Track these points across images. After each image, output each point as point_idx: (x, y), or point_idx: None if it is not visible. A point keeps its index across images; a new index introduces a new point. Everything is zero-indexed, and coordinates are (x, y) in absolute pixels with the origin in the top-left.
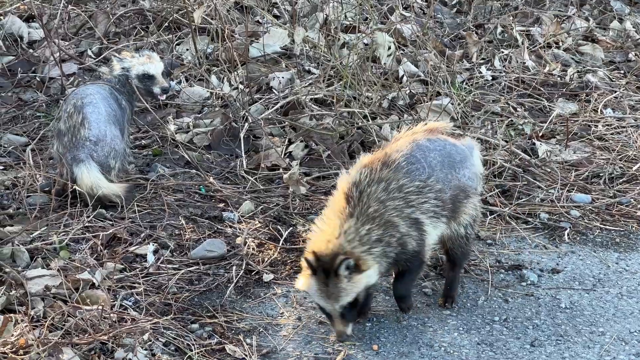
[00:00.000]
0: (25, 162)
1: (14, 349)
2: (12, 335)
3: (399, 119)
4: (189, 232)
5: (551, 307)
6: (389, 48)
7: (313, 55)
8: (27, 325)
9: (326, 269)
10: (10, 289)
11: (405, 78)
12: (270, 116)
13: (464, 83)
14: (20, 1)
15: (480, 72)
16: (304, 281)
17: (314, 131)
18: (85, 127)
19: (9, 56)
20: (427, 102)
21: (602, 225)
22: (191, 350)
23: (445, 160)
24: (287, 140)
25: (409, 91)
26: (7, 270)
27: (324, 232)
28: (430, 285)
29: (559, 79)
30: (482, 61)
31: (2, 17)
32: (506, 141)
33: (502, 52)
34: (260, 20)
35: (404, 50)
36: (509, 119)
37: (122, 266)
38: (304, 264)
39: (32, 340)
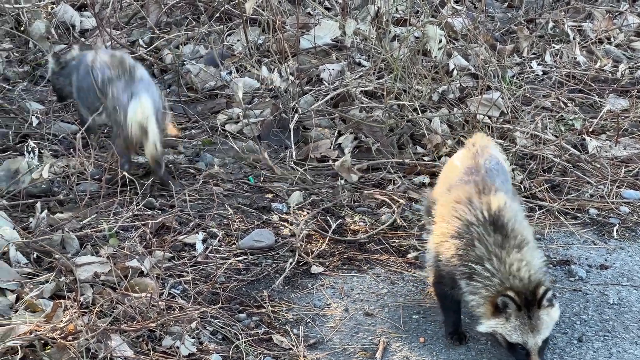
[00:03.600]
0: (75, 149)
1: (63, 335)
2: (62, 321)
3: (449, 112)
4: (237, 222)
5: (599, 302)
6: (440, 41)
7: (364, 48)
8: (76, 312)
9: (528, 302)
10: (60, 276)
11: (455, 71)
12: (320, 108)
13: (515, 77)
14: None
15: (531, 67)
16: (493, 321)
17: (363, 123)
18: (138, 68)
19: (61, 44)
20: (477, 95)
21: None
22: (238, 340)
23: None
24: (336, 132)
25: (459, 85)
26: (57, 256)
27: (500, 268)
28: None
29: (610, 74)
30: (532, 56)
31: (55, 6)
32: (556, 136)
33: (554, 47)
34: (311, 12)
35: (454, 43)
36: (559, 114)
37: (170, 255)
38: (494, 304)
39: (81, 326)
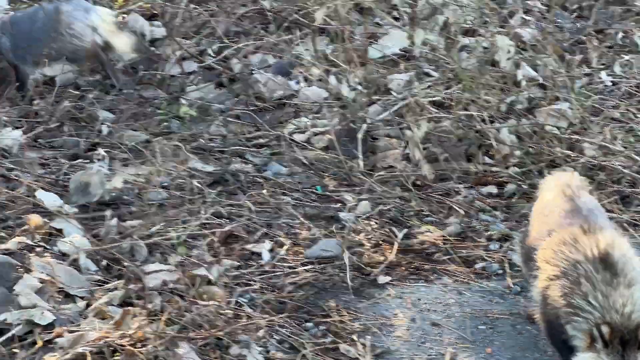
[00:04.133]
0: (145, 158)
1: (132, 342)
2: (130, 328)
3: (517, 123)
4: (304, 231)
5: None
6: (509, 52)
7: (432, 58)
8: (144, 319)
9: (624, 341)
10: (129, 283)
11: (524, 82)
12: (388, 117)
13: (583, 88)
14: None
15: (600, 78)
16: (587, 355)
17: (432, 133)
18: None
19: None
20: (545, 106)
21: None
22: (305, 349)
23: None
24: (404, 142)
25: (527, 95)
26: (126, 264)
27: (604, 303)
28: None
29: None
30: (602, 66)
31: (126, 15)
32: (625, 147)
33: (623, 57)
34: (379, 22)
35: (523, 54)
36: (629, 125)
37: (238, 263)
38: (590, 336)
39: (150, 333)
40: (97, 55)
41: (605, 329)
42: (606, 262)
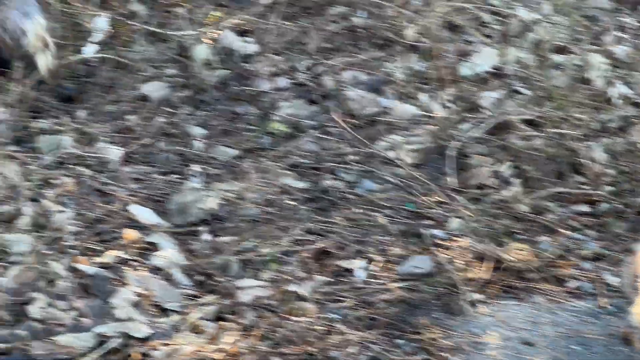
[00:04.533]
0: (238, 174)
1: (226, 357)
2: (225, 343)
3: (611, 141)
4: (396, 247)
5: None
6: (602, 69)
7: (523, 76)
8: (238, 334)
9: None
10: (222, 298)
11: (617, 99)
12: (479, 135)
13: None
14: (235, 16)
15: None
16: None
17: (523, 152)
18: None
19: (223, 70)
20: None
21: None
22: None
23: None
24: (495, 160)
25: (621, 113)
26: (219, 279)
27: None
28: None
29: None
30: None
31: (218, 32)
32: None
33: None
34: (470, 39)
35: (616, 71)
36: None
37: (330, 279)
38: None
39: (244, 348)
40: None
41: None
42: None
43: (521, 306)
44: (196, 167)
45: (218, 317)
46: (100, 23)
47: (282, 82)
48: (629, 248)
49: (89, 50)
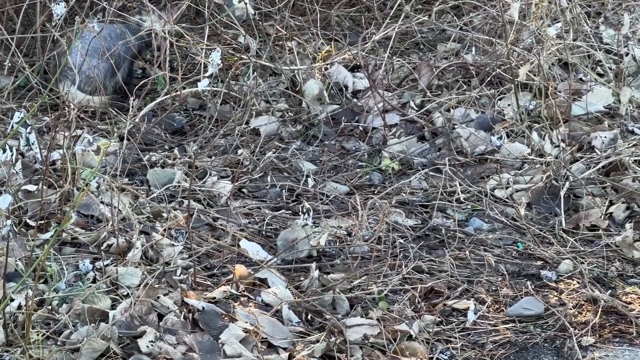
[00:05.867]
0: (347, 210)
1: None
2: None
3: None
4: (505, 288)
5: None
6: None
7: (638, 116)
8: None
9: None
10: (330, 336)
11: None
12: (591, 176)
13: None
14: (346, 52)
15: None
16: None
17: (636, 193)
18: None
19: (333, 105)
20: None
21: None
22: None
23: None
24: (608, 201)
25: None
26: (327, 317)
27: None
28: None
29: None
30: None
31: (329, 67)
32: None
33: None
34: (583, 78)
35: None
36: None
37: (439, 319)
38: None
39: None
40: None
41: None
42: None
43: (634, 352)
44: (306, 203)
45: (326, 355)
46: (215, 57)
47: (393, 118)
48: None
49: (203, 84)
